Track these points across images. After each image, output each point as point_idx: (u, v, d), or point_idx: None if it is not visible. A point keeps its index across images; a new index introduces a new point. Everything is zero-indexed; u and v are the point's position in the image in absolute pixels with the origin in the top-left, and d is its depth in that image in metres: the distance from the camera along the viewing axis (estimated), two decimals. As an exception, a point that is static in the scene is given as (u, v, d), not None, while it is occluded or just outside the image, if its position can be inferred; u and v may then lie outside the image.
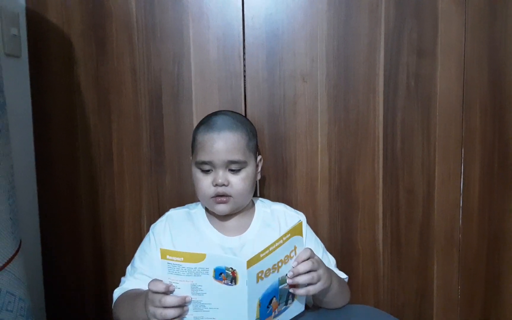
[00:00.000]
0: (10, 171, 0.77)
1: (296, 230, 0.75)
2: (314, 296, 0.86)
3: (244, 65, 1.13)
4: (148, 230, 0.96)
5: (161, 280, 0.72)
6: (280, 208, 1.00)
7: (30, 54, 1.14)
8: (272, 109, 1.14)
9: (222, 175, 0.88)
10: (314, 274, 0.76)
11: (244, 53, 1.12)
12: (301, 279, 0.76)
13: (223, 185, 0.88)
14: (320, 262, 0.80)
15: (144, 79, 1.13)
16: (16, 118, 1.10)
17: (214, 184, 0.88)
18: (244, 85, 1.13)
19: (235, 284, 0.69)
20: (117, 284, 0.93)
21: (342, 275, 0.96)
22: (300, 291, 0.77)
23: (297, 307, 0.81)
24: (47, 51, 1.14)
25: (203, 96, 1.13)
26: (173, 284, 0.72)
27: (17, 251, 0.75)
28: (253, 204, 0.99)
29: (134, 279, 0.90)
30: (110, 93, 1.14)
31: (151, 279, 0.75)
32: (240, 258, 0.68)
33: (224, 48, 1.12)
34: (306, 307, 0.85)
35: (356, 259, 1.19)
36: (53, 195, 1.18)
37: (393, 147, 1.16)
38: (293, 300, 0.79)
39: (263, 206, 0.99)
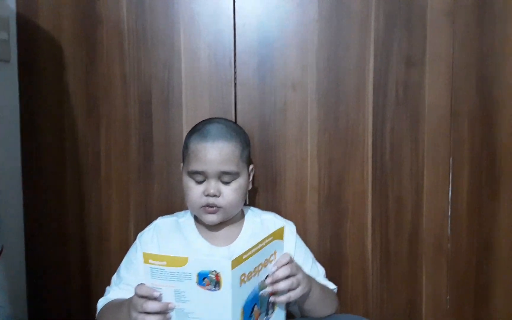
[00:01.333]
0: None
1: (277, 234, 0.75)
2: (298, 304, 0.86)
3: (235, 73, 1.13)
4: (135, 238, 0.95)
5: (141, 284, 0.71)
6: (270, 217, 0.99)
7: (20, 59, 1.14)
8: (262, 117, 1.14)
9: (214, 185, 0.87)
10: (293, 279, 0.76)
11: (235, 61, 1.13)
12: (281, 286, 0.75)
13: (214, 195, 0.87)
14: (298, 267, 0.80)
15: (134, 85, 1.13)
16: (4, 122, 1.09)
17: (206, 194, 0.87)
18: (235, 92, 1.13)
19: (219, 288, 0.68)
20: (103, 293, 0.91)
21: (331, 286, 0.96)
22: (281, 298, 0.76)
23: (278, 316, 0.80)
24: (37, 56, 1.13)
25: (194, 103, 1.13)
26: (157, 290, 0.70)
27: (-1, 256, 0.74)
28: (243, 213, 0.98)
29: (119, 289, 0.89)
30: (99, 99, 1.13)
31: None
32: (224, 260, 0.67)
33: (215, 55, 1.12)
34: (292, 316, 0.84)
35: (345, 268, 1.18)
36: (39, 201, 1.16)
37: (382, 155, 1.17)
38: (273, 310, 0.78)
39: (252, 215, 0.98)
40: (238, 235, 0.93)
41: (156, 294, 0.70)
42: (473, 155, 1.18)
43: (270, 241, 0.73)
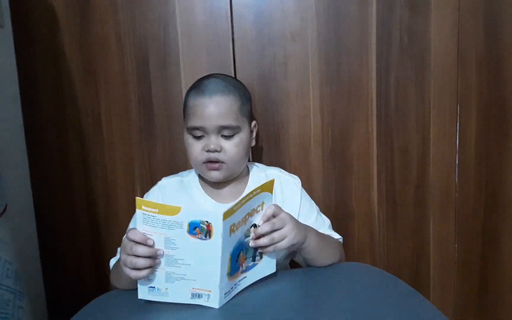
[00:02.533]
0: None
1: (266, 187, 0.74)
2: (300, 254, 0.86)
3: (232, 26, 1.10)
4: (142, 199, 0.96)
5: (134, 229, 0.71)
6: (275, 173, 0.98)
7: (14, 24, 1.12)
8: (262, 71, 1.12)
9: (214, 140, 0.86)
10: (275, 234, 0.75)
11: (231, 14, 1.09)
12: (261, 242, 0.75)
13: (216, 151, 0.86)
14: (286, 219, 0.77)
15: (130, 45, 1.11)
16: (3, 88, 1.08)
17: (206, 149, 0.87)
18: (233, 47, 1.11)
19: (209, 238, 0.69)
20: (113, 254, 0.93)
21: (336, 236, 0.95)
22: (267, 249, 0.76)
23: (267, 267, 0.79)
24: (30, 19, 1.11)
25: (191, 60, 1.11)
26: (147, 235, 0.70)
27: (1, 214, 0.74)
28: (248, 169, 0.97)
29: None
30: (96, 60, 1.12)
31: None
32: (216, 212, 0.68)
33: (211, 9, 1.09)
34: (297, 266, 0.84)
35: (352, 221, 1.18)
36: (44, 167, 1.17)
37: (387, 106, 1.14)
38: (261, 257, 0.78)
39: (257, 171, 0.98)
40: (243, 191, 0.93)
41: (150, 242, 0.70)
42: (481, 102, 1.15)
43: (258, 193, 0.73)
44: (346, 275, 0.85)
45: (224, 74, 0.97)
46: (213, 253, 0.69)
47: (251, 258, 0.77)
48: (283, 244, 0.76)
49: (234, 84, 0.92)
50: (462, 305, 1.22)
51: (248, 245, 0.75)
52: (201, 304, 0.73)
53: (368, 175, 1.16)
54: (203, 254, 0.70)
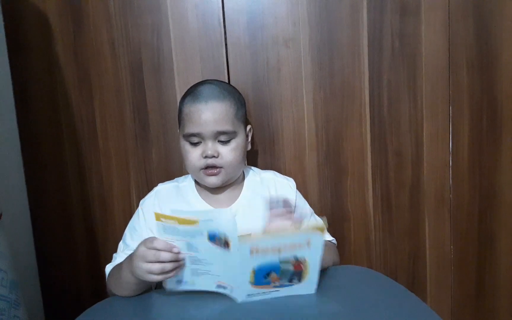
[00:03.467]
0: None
1: (314, 229, 0.72)
2: None
3: (225, 32, 1.11)
4: (137, 205, 0.96)
5: (158, 238, 0.72)
6: (270, 176, 0.99)
7: (7, 32, 1.12)
8: (256, 77, 1.12)
9: (211, 146, 0.87)
10: None
11: (224, 20, 1.10)
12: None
13: (213, 156, 0.87)
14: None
15: (123, 52, 1.11)
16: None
17: (204, 156, 0.87)
18: (226, 53, 1.11)
19: (228, 248, 0.69)
20: (110, 260, 0.92)
21: (329, 238, 0.96)
22: None
23: (306, 287, 0.77)
24: (23, 28, 1.12)
25: (185, 67, 1.12)
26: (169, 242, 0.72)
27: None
28: (244, 174, 0.98)
29: (125, 255, 0.88)
30: (90, 68, 1.12)
31: None
32: (232, 230, 0.67)
33: (204, 16, 1.10)
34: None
35: (347, 224, 1.18)
36: (40, 175, 1.17)
37: (380, 109, 1.15)
38: (300, 280, 0.75)
39: (252, 175, 0.99)
40: (239, 196, 0.94)
41: (175, 250, 0.71)
42: (473, 103, 1.16)
43: (297, 233, 0.72)
44: (342, 278, 0.85)
45: (218, 80, 0.97)
46: (232, 261, 0.70)
47: (286, 279, 0.75)
48: None
49: (228, 89, 0.93)
50: (459, 307, 1.22)
51: (285, 270, 0.73)
52: (225, 293, 0.74)
53: (363, 178, 1.17)
54: (224, 260, 0.71)
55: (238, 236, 0.67)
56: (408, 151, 1.17)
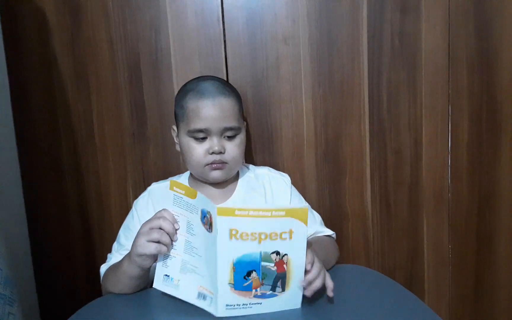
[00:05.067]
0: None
1: (293, 213, 0.68)
2: None
3: (224, 29, 1.10)
4: (133, 206, 0.95)
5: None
6: (264, 172, 0.99)
7: (4, 28, 1.11)
8: (254, 74, 1.12)
9: (218, 142, 0.87)
10: (321, 272, 0.73)
11: (223, 17, 1.09)
12: (316, 285, 0.72)
13: (220, 152, 0.87)
14: (316, 257, 0.74)
15: (121, 48, 1.10)
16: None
17: (211, 152, 0.86)
18: (225, 50, 1.11)
19: (211, 231, 0.68)
20: (106, 257, 0.92)
21: (328, 232, 0.96)
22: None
23: (291, 300, 0.73)
24: (21, 24, 1.11)
25: (183, 64, 1.11)
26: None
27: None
28: (238, 171, 0.97)
29: (120, 255, 0.88)
30: (87, 64, 1.11)
31: None
32: (213, 204, 0.66)
33: (202, 12, 1.09)
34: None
35: (346, 222, 1.18)
36: (36, 172, 1.16)
37: (379, 107, 1.14)
38: (283, 289, 0.71)
39: (247, 172, 0.99)
40: (233, 192, 0.94)
41: (177, 226, 0.72)
42: (472, 103, 1.15)
43: (282, 216, 0.67)
44: (340, 277, 0.84)
45: (215, 76, 0.97)
46: (213, 250, 0.67)
47: (269, 287, 0.71)
48: (322, 279, 0.73)
49: (230, 86, 0.94)
50: (456, 306, 1.22)
51: (268, 271, 0.70)
52: (204, 307, 0.71)
53: (362, 176, 1.17)
54: (208, 248, 0.69)
55: (217, 208, 0.65)
56: (407, 150, 1.16)
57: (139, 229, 0.74)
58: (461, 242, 1.20)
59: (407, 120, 1.15)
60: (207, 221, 0.68)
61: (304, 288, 0.72)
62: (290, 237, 0.68)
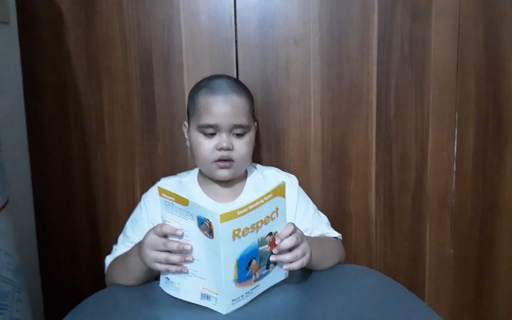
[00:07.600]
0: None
1: (278, 191, 0.71)
2: None
3: (236, 30, 1.11)
4: (141, 198, 0.97)
5: (165, 224, 0.73)
6: (272, 172, 1.00)
7: (19, 21, 1.13)
8: (264, 75, 1.13)
9: (226, 138, 0.88)
10: (297, 251, 0.74)
11: (235, 18, 1.11)
12: (286, 258, 0.73)
13: (228, 149, 0.87)
14: (303, 236, 0.77)
15: (134, 45, 1.12)
16: (7, 85, 1.09)
17: (219, 148, 0.87)
18: (236, 51, 1.12)
19: (212, 237, 0.68)
20: (111, 250, 0.93)
21: (335, 234, 0.97)
22: (292, 266, 0.74)
23: (280, 273, 0.77)
24: (36, 17, 1.12)
25: (194, 62, 1.12)
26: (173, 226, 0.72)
27: (2, 207, 0.75)
28: (246, 170, 0.99)
29: (126, 247, 0.90)
30: (100, 60, 1.13)
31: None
32: (214, 211, 0.66)
33: (215, 13, 1.10)
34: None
35: (349, 224, 1.19)
36: (45, 164, 1.17)
37: (387, 112, 1.15)
38: (275, 264, 0.75)
39: (256, 172, 1.00)
40: (242, 191, 0.95)
41: (179, 232, 0.72)
42: (479, 110, 1.16)
43: (271, 198, 0.70)
44: (343, 277, 0.86)
45: (229, 75, 0.98)
46: (216, 253, 0.68)
47: (265, 266, 0.74)
48: (304, 260, 0.74)
49: (242, 85, 0.95)
50: (457, 311, 1.23)
51: (264, 254, 0.72)
52: (209, 306, 0.72)
53: (367, 179, 1.18)
54: (209, 252, 0.70)
55: (220, 216, 0.65)
56: (413, 154, 1.17)
57: (147, 237, 0.75)
58: (463, 247, 1.21)
59: (413, 125, 1.16)
60: (206, 228, 0.68)
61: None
62: (277, 215, 0.73)
